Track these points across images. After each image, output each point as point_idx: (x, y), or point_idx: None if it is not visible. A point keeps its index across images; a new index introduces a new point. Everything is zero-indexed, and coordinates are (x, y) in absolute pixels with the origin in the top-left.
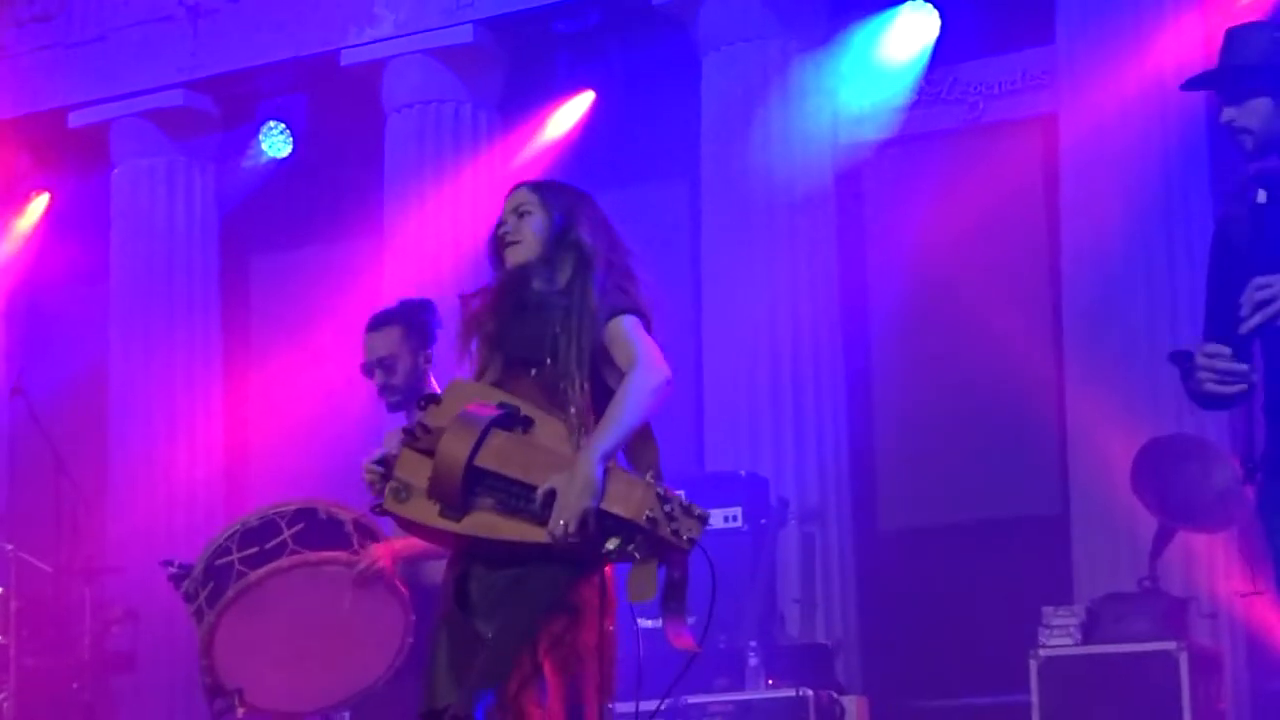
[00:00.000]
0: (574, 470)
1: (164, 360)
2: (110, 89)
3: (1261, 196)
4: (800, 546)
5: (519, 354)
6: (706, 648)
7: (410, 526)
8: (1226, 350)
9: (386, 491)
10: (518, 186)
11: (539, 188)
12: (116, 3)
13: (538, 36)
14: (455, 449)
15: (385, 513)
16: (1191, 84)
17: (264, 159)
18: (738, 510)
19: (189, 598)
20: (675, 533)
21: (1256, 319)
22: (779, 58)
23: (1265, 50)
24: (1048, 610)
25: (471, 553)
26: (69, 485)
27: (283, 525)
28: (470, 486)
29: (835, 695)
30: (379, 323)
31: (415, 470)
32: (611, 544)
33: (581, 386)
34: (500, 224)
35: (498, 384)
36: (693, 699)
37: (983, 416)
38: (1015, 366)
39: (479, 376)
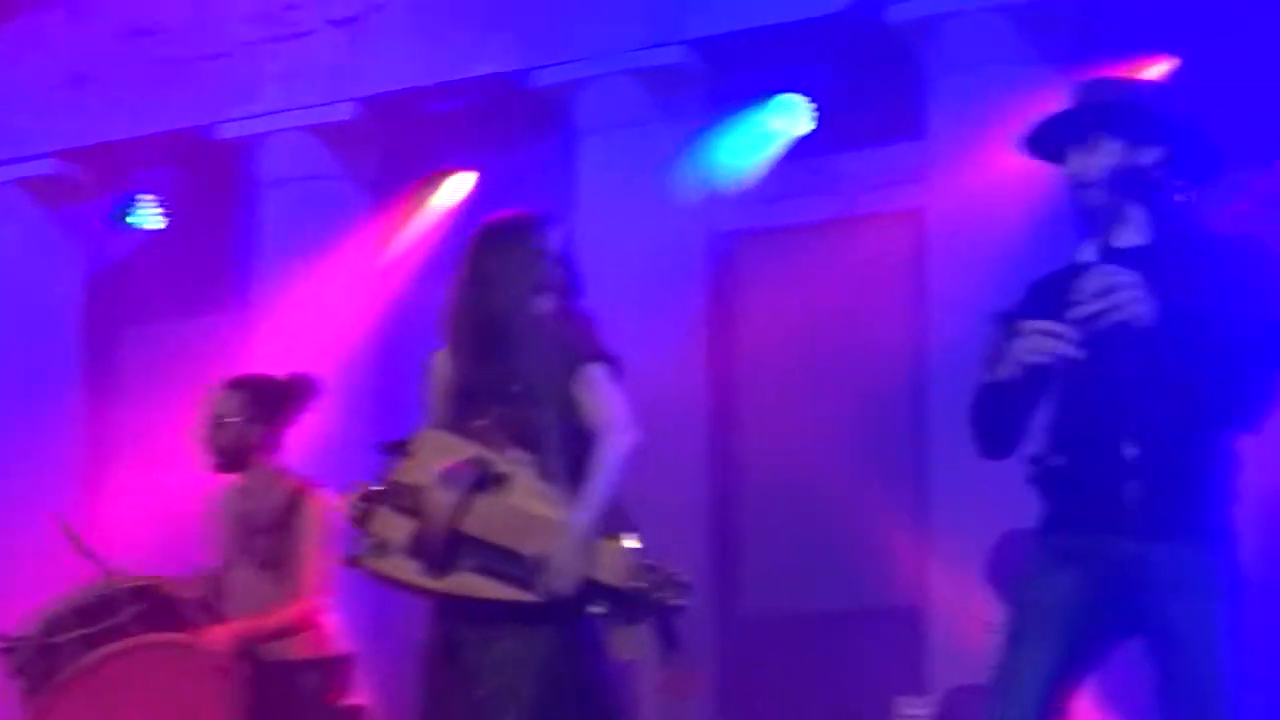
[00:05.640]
0: (566, 536)
1: (25, 432)
2: None
3: (1087, 252)
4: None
5: (482, 393)
6: None
7: (388, 582)
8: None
9: (363, 548)
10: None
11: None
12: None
13: (417, 116)
14: (437, 514)
15: (360, 567)
16: (1032, 139)
17: (136, 230)
18: None
19: (22, 673)
20: (659, 601)
21: (1096, 305)
22: (656, 144)
23: (1115, 91)
24: (900, 700)
25: (453, 612)
26: None
27: (121, 604)
28: (452, 548)
29: None
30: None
31: (391, 527)
32: (596, 609)
33: (556, 433)
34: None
35: (456, 421)
36: None
37: (847, 505)
38: (881, 457)
39: (434, 413)
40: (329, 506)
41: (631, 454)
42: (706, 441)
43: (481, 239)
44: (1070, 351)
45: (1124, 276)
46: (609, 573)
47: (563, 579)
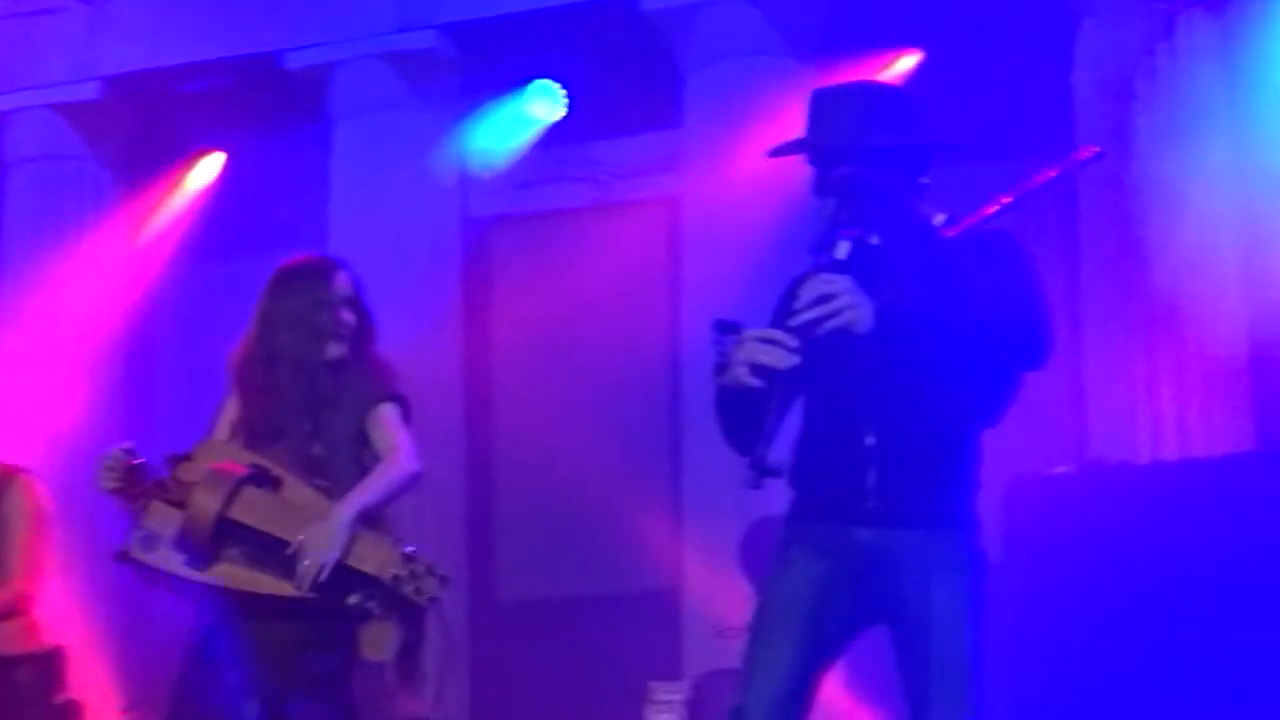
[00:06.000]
0: (323, 523)
1: None
2: None
3: (842, 250)
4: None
5: (269, 431)
6: None
7: (155, 576)
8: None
9: (134, 541)
10: (340, 269)
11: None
12: None
13: (165, 96)
14: (206, 501)
15: (130, 561)
16: (783, 150)
17: None
18: None
19: None
20: (417, 591)
21: (814, 313)
22: (410, 129)
23: (864, 122)
24: (654, 686)
25: (216, 603)
26: None
27: None
28: (219, 538)
29: None
30: None
31: (164, 521)
32: (353, 599)
33: (346, 468)
34: (342, 314)
35: (246, 449)
36: None
37: (603, 491)
38: (637, 443)
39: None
40: (41, 493)
41: (409, 482)
42: (462, 428)
43: (274, 283)
44: (787, 361)
45: (841, 284)
46: (368, 562)
47: (315, 561)
